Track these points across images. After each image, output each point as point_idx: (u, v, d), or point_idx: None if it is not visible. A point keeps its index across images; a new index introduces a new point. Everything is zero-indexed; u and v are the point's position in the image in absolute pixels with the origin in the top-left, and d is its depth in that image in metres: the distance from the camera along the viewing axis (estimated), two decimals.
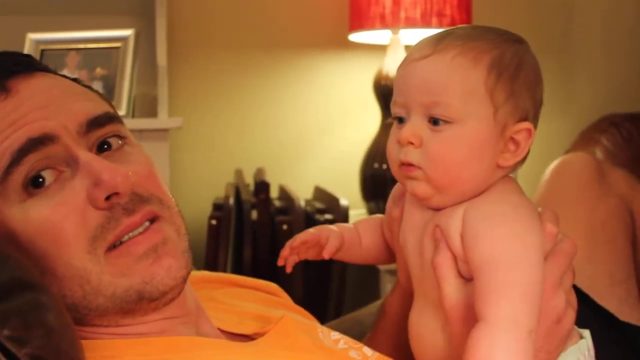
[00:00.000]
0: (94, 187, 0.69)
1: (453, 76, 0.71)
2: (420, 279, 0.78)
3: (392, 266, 1.74)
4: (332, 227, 0.91)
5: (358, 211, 2.16)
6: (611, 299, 1.07)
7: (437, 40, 0.74)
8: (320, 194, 2.06)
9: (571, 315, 0.75)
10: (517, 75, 0.73)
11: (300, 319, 0.93)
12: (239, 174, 2.13)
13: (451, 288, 0.72)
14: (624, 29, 2.52)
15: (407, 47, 2.11)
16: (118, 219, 0.70)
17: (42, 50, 1.89)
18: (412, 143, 0.72)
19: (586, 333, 0.79)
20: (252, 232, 1.79)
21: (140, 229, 0.72)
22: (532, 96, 0.74)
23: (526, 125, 0.73)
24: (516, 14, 2.40)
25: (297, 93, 2.33)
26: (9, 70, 0.73)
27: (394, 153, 0.75)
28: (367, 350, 0.86)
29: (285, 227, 1.75)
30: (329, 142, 2.36)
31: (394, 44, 2.09)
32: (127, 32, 1.89)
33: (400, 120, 0.75)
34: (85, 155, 0.71)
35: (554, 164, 1.31)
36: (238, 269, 1.81)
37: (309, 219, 1.81)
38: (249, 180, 2.09)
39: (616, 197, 1.21)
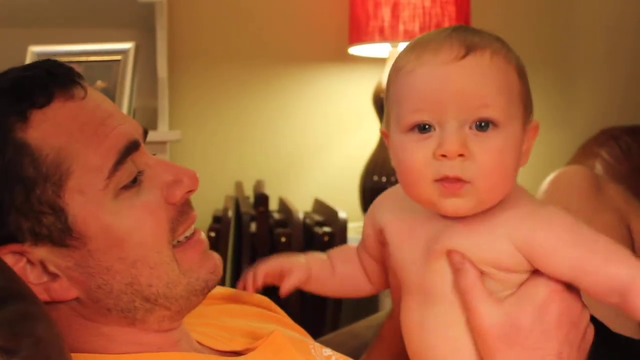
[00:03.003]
0: (173, 184, 0.75)
1: (496, 77, 0.69)
2: (419, 284, 0.75)
3: None
4: (299, 258, 0.89)
5: (357, 223, 2.15)
6: (608, 310, 1.07)
7: (463, 39, 0.69)
8: (320, 206, 2.06)
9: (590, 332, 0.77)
10: (524, 71, 0.72)
11: (292, 334, 0.92)
12: (239, 186, 2.13)
13: (488, 308, 0.70)
14: (626, 43, 2.52)
15: None
16: (187, 212, 0.77)
17: None
18: (461, 155, 0.67)
19: None
20: (251, 245, 1.79)
21: (193, 227, 0.79)
22: (530, 93, 0.73)
23: (535, 122, 0.73)
24: (516, 26, 2.41)
25: (297, 106, 2.34)
26: (77, 75, 0.76)
27: (426, 171, 0.69)
28: None
29: (284, 239, 1.75)
30: (328, 154, 2.36)
31: (393, 57, 2.09)
32: (128, 45, 1.90)
33: (423, 128, 0.69)
34: (157, 159, 0.77)
35: (551, 176, 1.31)
36: (236, 282, 1.80)
37: (308, 232, 1.81)
38: (249, 192, 2.10)
39: (612, 211, 1.21)
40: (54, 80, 0.72)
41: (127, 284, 0.73)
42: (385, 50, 2.14)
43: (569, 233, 0.69)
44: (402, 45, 2.08)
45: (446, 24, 1.96)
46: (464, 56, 0.68)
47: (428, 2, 1.95)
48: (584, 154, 2.23)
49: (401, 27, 1.96)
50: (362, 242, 0.87)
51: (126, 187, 0.73)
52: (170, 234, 0.75)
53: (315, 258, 0.89)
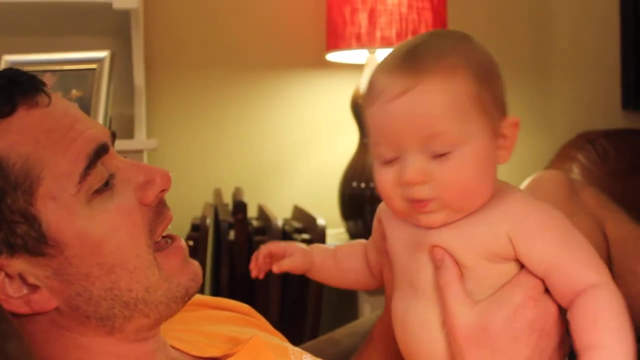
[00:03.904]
0: (146, 185, 0.75)
1: (443, 104, 0.70)
2: (407, 277, 0.78)
3: None
4: (304, 246, 0.92)
5: (336, 230, 2.15)
6: None
7: (408, 69, 0.71)
8: (299, 213, 2.05)
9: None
10: (488, 71, 0.73)
11: (272, 339, 0.92)
12: (217, 193, 2.13)
13: (462, 308, 0.72)
14: (604, 47, 2.55)
15: None
16: (163, 212, 0.77)
17: None
18: (422, 181, 0.71)
19: None
20: (229, 252, 1.78)
21: (169, 226, 0.78)
22: (500, 84, 0.75)
23: (512, 119, 0.74)
24: (492, 36, 2.42)
25: (275, 113, 2.34)
26: (40, 82, 0.75)
27: (395, 194, 0.73)
28: None
29: None
30: (307, 161, 2.36)
31: (371, 64, 2.10)
32: (103, 54, 1.88)
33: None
34: (128, 161, 0.76)
35: (526, 180, 1.31)
36: (215, 290, 1.80)
37: (287, 239, 1.81)
38: (228, 200, 2.09)
39: (587, 216, 1.21)
40: (16, 88, 0.72)
41: (106, 289, 0.72)
42: (362, 57, 2.14)
43: (558, 231, 0.72)
44: (380, 51, 2.09)
45: (423, 30, 1.96)
46: (409, 89, 0.70)
47: (405, 9, 1.96)
48: (561, 158, 2.25)
49: (378, 34, 1.96)
50: (371, 236, 0.90)
51: (99, 192, 0.72)
52: (149, 236, 0.75)
53: (320, 248, 0.93)
